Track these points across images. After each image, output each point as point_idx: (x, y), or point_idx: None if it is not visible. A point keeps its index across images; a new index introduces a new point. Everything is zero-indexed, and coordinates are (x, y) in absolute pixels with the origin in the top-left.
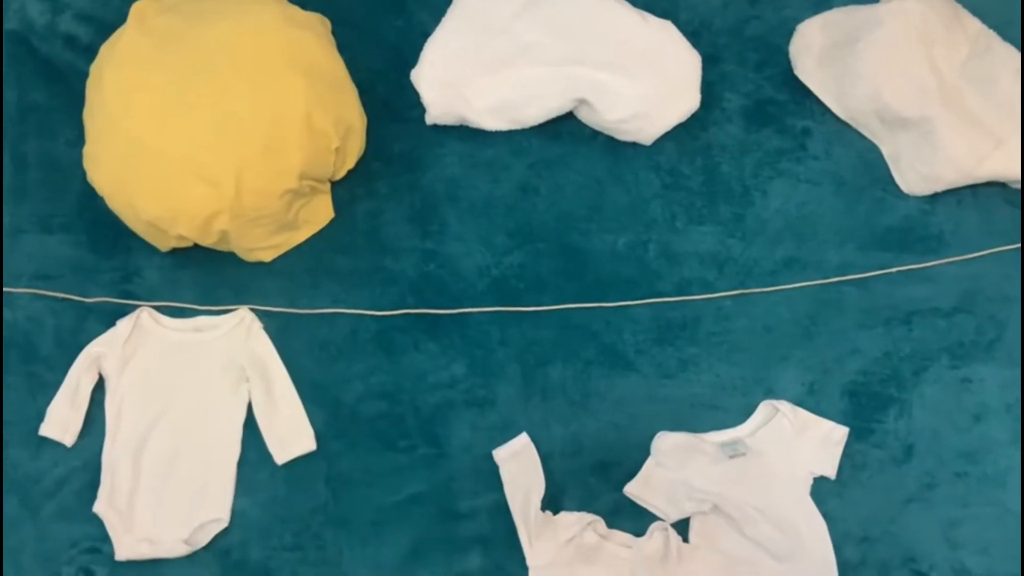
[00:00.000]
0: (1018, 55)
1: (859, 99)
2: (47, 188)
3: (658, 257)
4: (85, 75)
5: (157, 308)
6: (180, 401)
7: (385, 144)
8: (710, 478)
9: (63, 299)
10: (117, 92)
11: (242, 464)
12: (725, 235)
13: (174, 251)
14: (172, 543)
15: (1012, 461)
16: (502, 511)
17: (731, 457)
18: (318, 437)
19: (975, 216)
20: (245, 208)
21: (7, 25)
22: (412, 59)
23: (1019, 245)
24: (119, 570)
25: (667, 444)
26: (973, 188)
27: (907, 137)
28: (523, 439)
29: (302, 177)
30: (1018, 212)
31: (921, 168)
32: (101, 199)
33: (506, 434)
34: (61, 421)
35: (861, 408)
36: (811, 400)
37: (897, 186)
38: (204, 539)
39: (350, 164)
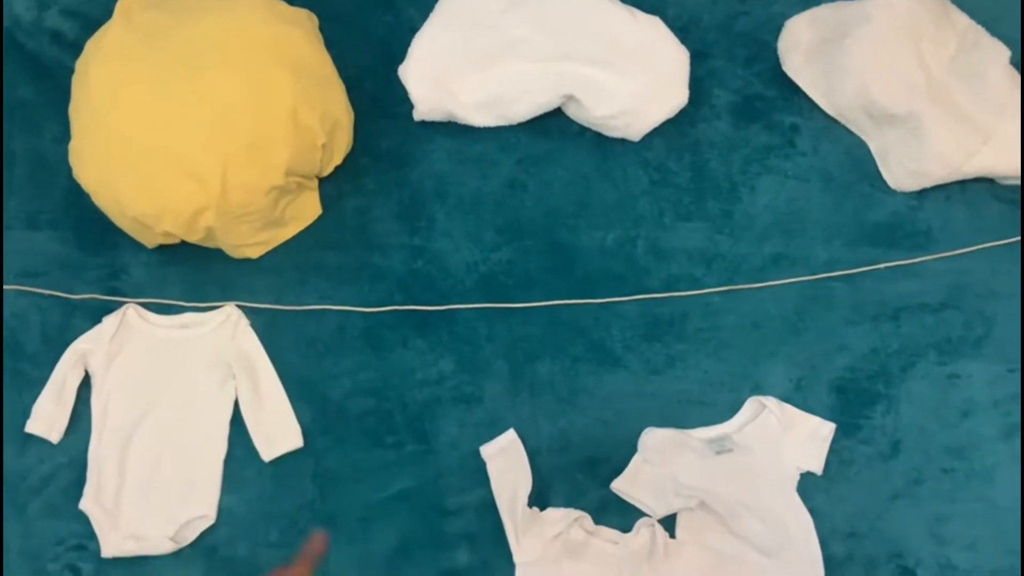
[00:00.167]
0: (1006, 51)
1: (847, 95)
2: (33, 185)
3: (646, 253)
4: (71, 71)
5: (144, 305)
6: (166, 398)
7: (373, 140)
8: (697, 474)
9: (49, 296)
10: (102, 88)
11: (229, 461)
12: (713, 231)
13: (161, 248)
14: (158, 540)
15: (999, 457)
16: (489, 508)
17: (718, 453)
18: (305, 434)
19: (963, 212)
20: (231, 205)
21: None
22: (400, 55)
23: (1013, 240)
24: (105, 567)
25: (654, 440)
26: (961, 184)
27: (895, 133)
28: (510, 435)
29: (288, 173)
30: (1007, 208)
31: (909, 164)
32: (87, 196)
33: (494, 430)
34: (47, 418)
35: (848, 404)
36: (798, 396)
37: (885, 182)
38: (190, 536)
39: (337, 160)
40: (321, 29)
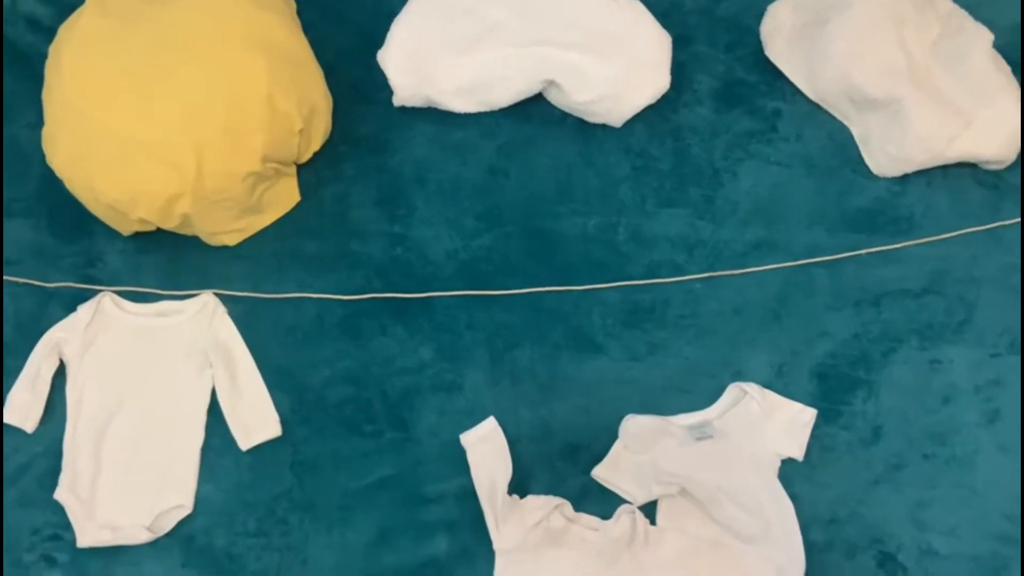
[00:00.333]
0: (989, 35)
1: (829, 80)
2: (7, 172)
3: (628, 240)
4: (46, 57)
5: (119, 293)
6: (142, 387)
7: (352, 126)
8: (677, 460)
9: (23, 284)
10: (75, 73)
11: (206, 450)
12: (695, 217)
13: (137, 235)
14: (134, 530)
15: (980, 442)
16: (469, 495)
17: (698, 439)
18: (283, 422)
19: (945, 197)
20: (207, 191)
21: None
22: (379, 40)
23: (994, 225)
24: (81, 557)
25: (635, 427)
26: (944, 169)
27: (877, 118)
28: (491, 423)
29: (265, 159)
30: (988, 193)
31: (891, 149)
32: (62, 182)
33: (474, 418)
34: (22, 407)
35: (830, 390)
36: (780, 382)
37: (867, 168)
38: (167, 525)
39: (315, 147)
40: (299, 14)
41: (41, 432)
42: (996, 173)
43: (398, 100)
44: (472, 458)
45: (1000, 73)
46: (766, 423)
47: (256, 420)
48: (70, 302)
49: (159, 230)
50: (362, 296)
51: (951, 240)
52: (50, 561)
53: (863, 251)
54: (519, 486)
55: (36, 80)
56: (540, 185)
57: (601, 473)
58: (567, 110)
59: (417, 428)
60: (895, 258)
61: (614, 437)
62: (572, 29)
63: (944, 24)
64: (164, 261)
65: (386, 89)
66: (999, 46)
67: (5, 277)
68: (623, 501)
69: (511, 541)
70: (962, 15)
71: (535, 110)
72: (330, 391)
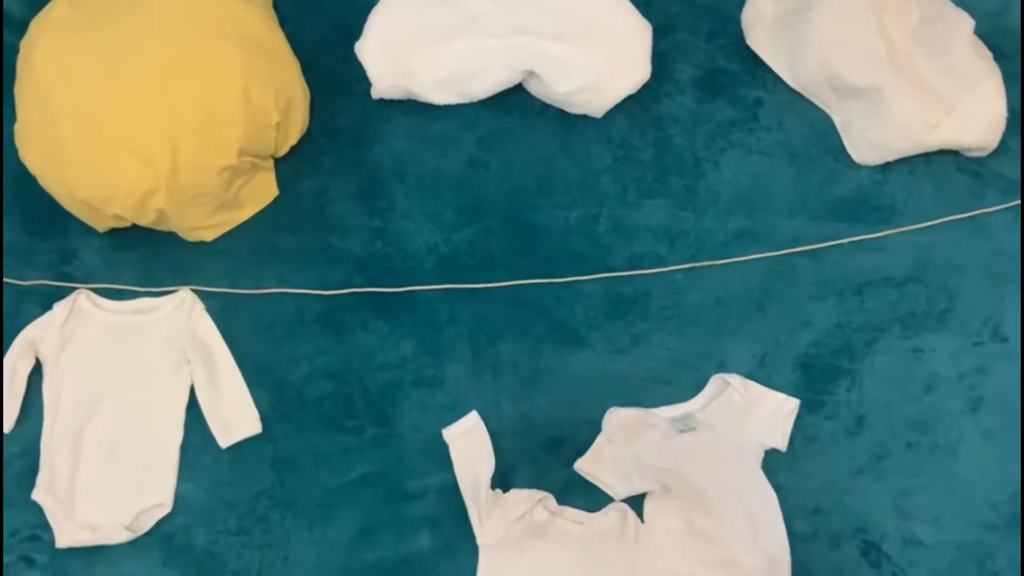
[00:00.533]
0: (970, 21)
1: (810, 68)
2: None
3: (609, 231)
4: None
5: (95, 290)
6: (120, 385)
7: (330, 119)
8: (661, 453)
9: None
10: (47, 67)
11: (185, 448)
12: (677, 208)
13: (112, 232)
14: (114, 529)
15: (963, 430)
16: (452, 491)
17: (681, 431)
18: (263, 419)
19: (927, 185)
20: (182, 186)
21: None
22: (357, 31)
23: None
24: (60, 558)
25: (618, 419)
26: (925, 157)
27: (858, 106)
28: (473, 417)
29: (241, 153)
30: (970, 180)
31: (872, 137)
32: (35, 179)
33: (456, 413)
34: None
35: (813, 380)
36: (763, 373)
37: (849, 156)
38: (147, 524)
39: (293, 140)
40: (275, 6)
41: (18, 432)
42: (978, 160)
43: (376, 92)
44: (454, 453)
45: (981, 59)
46: (749, 414)
47: (236, 417)
48: (46, 300)
49: (135, 226)
50: (342, 291)
51: (933, 228)
52: (29, 562)
53: (845, 240)
54: (502, 480)
55: (8, 75)
56: (521, 177)
57: (583, 466)
58: (548, 101)
59: (399, 423)
60: (877, 247)
61: (597, 430)
62: (552, 19)
63: (924, 10)
64: (140, 258)
65: (364, 81)
66: (980, 32)
67: None
68: (607, 499)
69: (494, 536)
70: (942, 1)
71: (515, 101)
72: (310, 387)
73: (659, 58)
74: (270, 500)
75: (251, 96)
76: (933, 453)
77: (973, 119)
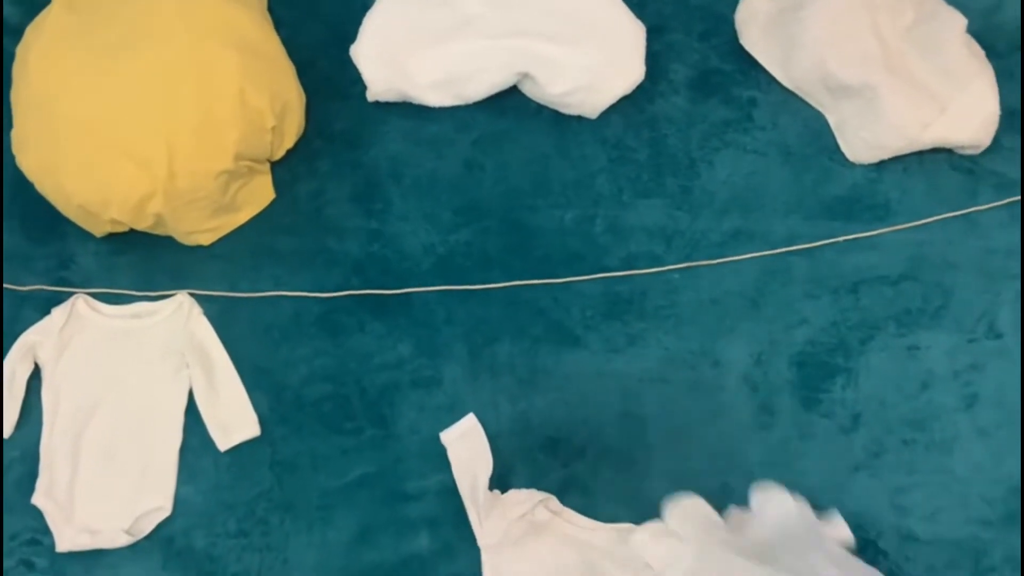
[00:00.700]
0: (963, 19)
1: (804, 68)
2: None
3: (605, 232)
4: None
5: (93, 295)
6: (119, 389)
7: (326, 122)
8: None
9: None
10: (43, 72)
11: (184, 451)
12: (672, 208)
13: (110, 236)
14: (113, 533)
15: (959, 428)
16: (450, 492)
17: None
18: (262, 422)
19: (921, 183)
20: (179, 190)
21: None
22: (352, 34)
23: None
24: (60, 562)
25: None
26: (919, 155)
27: (852, 105)
28: (470, 420)
29: (238, 157)
30: (964, 178)
31: (866, 136)
32: (32, 185)
33: (453, 414)
34: None
35: (808, 378)
36: (759, 371)
37: (843, 155)
38: (146, 528)
39: (289, 143)
40: (270, 9)
41: (17, 436)
42: (972, 158)
43: (372, 95)
44: (453, 455)
45: (974, 58)
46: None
47: (234, 420)
48: (44, 305)
49: (132, 231)
50: (339, 293)
51: (927, 226)
52: (29, 566)
53: (840, 238)
54: (500, 481)
55: (5, 81)
56: (517, 178)
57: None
58: (542, 102)
59: (397, 425)
60: (872, 245)
61: (595, 430)
62: (546, 20)
63: (918, 9)
64: (138, 262)
65: (360, 84)
66: (973, 31)
67: None
68: (605, 498)
69: (494, 536)
70: (935, 0)
71: (510, 103)
72: (308, 389)
73: (653, 58)
74: (269, 502)
75: (247, 100)
76: (929, 450)
77: (966, 117)
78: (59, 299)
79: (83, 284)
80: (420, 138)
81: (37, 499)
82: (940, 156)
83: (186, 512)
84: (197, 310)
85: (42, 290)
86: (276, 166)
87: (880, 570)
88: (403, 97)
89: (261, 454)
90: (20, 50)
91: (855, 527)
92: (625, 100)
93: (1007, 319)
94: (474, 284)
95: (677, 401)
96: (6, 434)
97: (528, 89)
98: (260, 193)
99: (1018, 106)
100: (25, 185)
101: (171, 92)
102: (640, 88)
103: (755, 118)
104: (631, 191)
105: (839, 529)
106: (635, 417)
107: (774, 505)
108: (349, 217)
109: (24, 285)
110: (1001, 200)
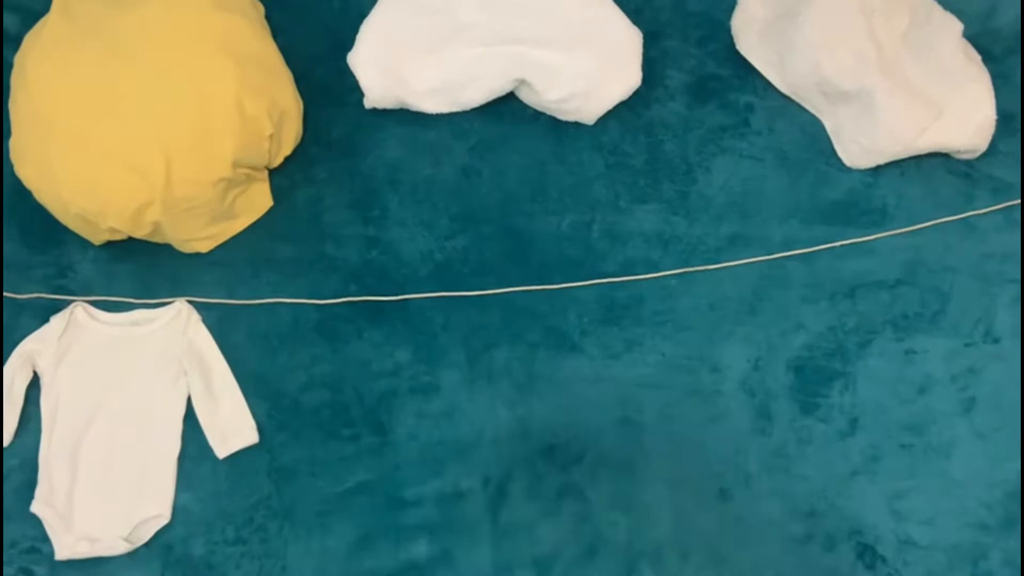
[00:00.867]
0: (959, 24)
1: (800, 73)
2: None
3: (602, 237)
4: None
5: (92, 303)
6: (117, 397)
7: (324, 129)
8: None
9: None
10: (40, 81)
11: (183, 459)
12: (669, 213)
13: (108, 244)
14: (112, 541)
15: (957, 432)
16: (449, 498)
17: None
18: (260, 429)
19: (918, 187)
20: (177, 198)
21: None
22: (349, 42)
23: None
24: (59, 570)
25: None
26: (916, 159)
27: (848, 110)
28: None
29: (236, 165)
30: (960, 182)
31: (863, 141)
32: (31, 193)
33: (452, 420)
34: None
35: (806, 383)
36: (757, 376)
37: (840, 160)
38: (145, 536)
39: (287, 151)
40: (268, 18)
41: (16, 445)
42: (968, 162)
43: (369, 102)
44: None
45: (970, 62)
46: None
47: (232, 427)
48: (42, 313)
49: (131, 238)
50: (337, 300)
51: (925, 230)
52: (28, 574)
53: (837, 243)
54: (499, 486)
55: (3, 90)
56: (514, 184)
57: None
58: (539, 109)
59: (395, 431)
60: (869, 250)
61: (593, 436)
62: (542, 27)
63: (913, 14)
64: (136, 269)
65: (357, 91)
66: (968, 35)
67: None
68: (604, 503)
69: None
70: (931, 5)
71: (507, 109)
72: (307, 396)
73: (650, 64)
74: (268, 510)
75: (245, 108)
76: (927, 454)
77: (962, 122)
78: (58, 307)
79: (82, 292)
80: (417, 145)
81: (36, 507)
82: (937, 160)
83: (185, 519)
84: (195, 317)
85: (41, 298)
86: (274, 173)
87: (878, 575)
88: (400, 104)
89: (259, 461)
90: (18, 59)
91: (853, 532)
92: (622, 106)
93: (1004, 323)
94: (471, 290)
95: (675, 406)
96: (5, 442)
97: (525, 95)
98: (258, 200)
99: (1014, 110)
100: (24, 194)
101: (169, 101)
102: (637, 94)
103: (752, 123)
104: (628, 197)
105: None
106: (633, 422)
107: None
108: (347, 224)
109: (23, 293)
110: (998, 204)
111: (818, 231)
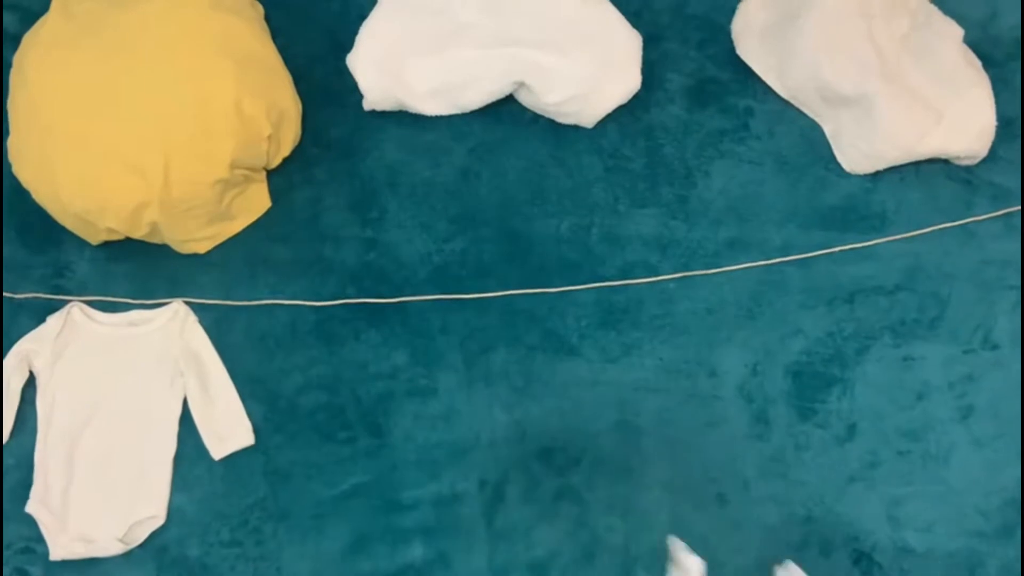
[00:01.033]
0: (959, 30)
1: (800, 76)
2: None
3: (601, 241)
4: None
5: (89, 303)
6: (113, 397)
7: (323, 130)
8: None
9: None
10: (39, 80)
11: (178, 460)
12: (668, 217)
13: (106, 244)
14: (107, 541)
15: (954, 438)
16: (445, 501)
17: None
18: (256, 431)
19: (917, 193)
20: (175, 199)
21: None
22: (349, 43)
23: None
24: (54, 570)
25: None
26: (916, 165)
27: (848, 114)
28: None
29: (234, 166)
30: (960, 188)
31: (862, 146)
32: (29, 193)
33: (448, 423)
34: None
35: (804, 388)
36: (754, 381)
37: (839, 165)
38: (140, 537)
39: (285, 152)
40: (267, 19)
41: (12, 444)
42: (968, 168)
43: (368, 104)
44: None
45: (970, 68)
46: None
47: (228, 429)
48: (39, 313)
49: (128, 239)
50: (335, 302)
51: (924, 236)
52: (23, 574)
53: (836, 249)
54: (495, 489)
55: (2, 89)
56: (512, 187)
57: None
58: (538, 111)
59: (391, 434)
60: (868, 255)
61: (590, 439)
62: (542, 29)
63: (914, 19)
64: (134, 270)
65: (356, 93)
66: (969, 41)
67: None
68: (600, 507)
69: None
70: (931, 10)
71: (506, 112)
72: (303, 398)
73: (649, 68)
74: (263, 512)
75: (243, 108)
76: (924, 461)
77: (963, 127)
78: (55, 307)
79: (79, 292)
80: (416, 147)
81: (31, 507)
82: (936, 166)
83: (180, 521)
84: (192, 318)
85: (38, 298)
86: (272, 174)
87: None
88: (399, 105)
89: (255, 463)
90: (17, 58)
91: (850, 538)
92: (621, 109)
93: (1003, 330)
94: (469, 293)
95: (672, 411)
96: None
97: (524, 98)
98: (256, 201)
99: (1015, 115)
100: (22, 194)
101: (167, 101)
102: (636, 97)
103: (751, 128)
104: (627, 200)
105: None
106: (630, 426)
107: None
108: (345, 225)
109: (20, 293)
110: (997, 211)
111: (817, 236)
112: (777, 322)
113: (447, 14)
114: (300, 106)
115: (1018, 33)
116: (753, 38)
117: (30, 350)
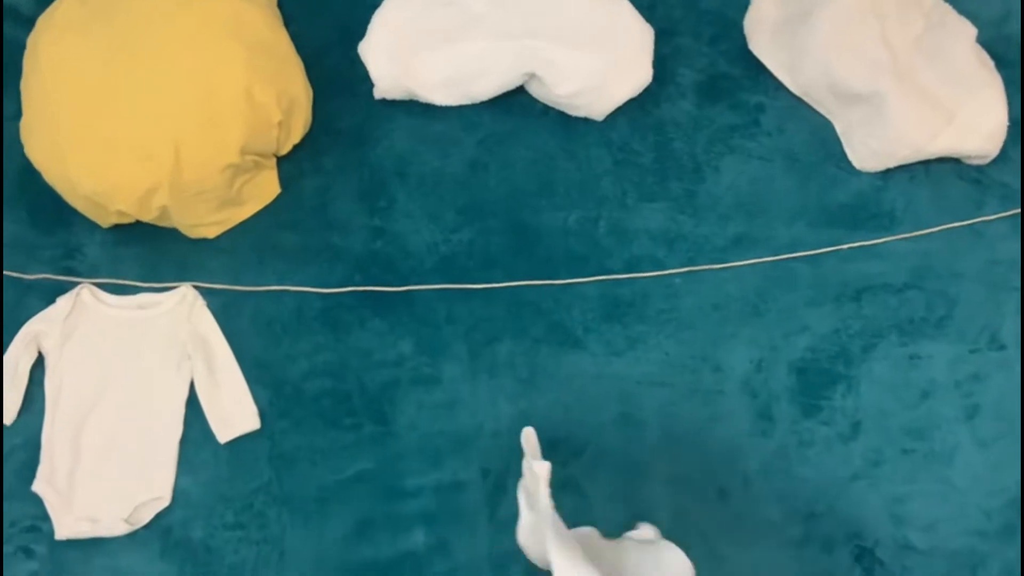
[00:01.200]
0: (973, 29)
1: (812, 73)
2: None
3: (608, 234)
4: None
5: (99, 285)
6: (121, 379)
7: (333, 118)
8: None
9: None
10: (52, 63)
11: (184, 442)
12: (676, 212)
13: (116, 227)
14: (113, 522)
15: (959, 438)
16: (447, 489)
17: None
18: (262, 415)
19: (927, 192)
20: (185, 183)
21: None
22: (361, 32)
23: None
24: (59, 549)
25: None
26: (926, 164)
27: (859, 112)
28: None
29: (244, 152)
30: (970, 188)
31: (873, 144)
32: (40, 174)
33: (453, 411)
34: None
35: (809, 385)
36: (759, 377)
37: (850, 162)
38: (145, 517)
39: (295, 139)
40: (280, 6)
41: (19, 424)
42: (979, 168)
43: (379, 92)
44: None
45: (983, 68)
46: None
47: (235, 413)
48: (49, 294)
49: (138, 222)
50: (342, 289)
51: (933, 235)
52: (28, 553)
53: (844, 246)
54: (497, 481)
55: (15, 70)
56: (521, 179)
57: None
58: (549, 103)
59: (396, 422)
60: (876, 253)
61: (593, 432)
62: (553, 21)
63: (927, 18)
64: (143, 253)
65: (367, 81)
66: (982, 40)
67: None
68: (602, 499)
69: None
70: (945, 9)
71: (516, 103)
72: (309, 384)
73: (661, 62)
74: (267, 496)
75: (254, 95)
76: (928, 460)
77: (974, 127)
78: (64, 288)
79: (88, 274)
80: (426, 136)
81: (38, 486)
82: (947, 165)
83: (185, 503)
84: (200, 302)
85: (48, 279)
86: (282, 161)
87: None
88: (410, 95)
89: (260, 447)
90: (31, 40)
91: (853, 535)
92: (632, 103)
93: (1010, 330)
94: (476, 283)
95: (676, 405)
96: (8, 421)
97: (535, 90)
98: (265, 188)
99: None
100: (33, 174)
101: (179, 86)
102: (647, 91)
103: (762, 124)
104: (635, 194)
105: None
106: (634, 420)
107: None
108: (353, 214)
109: (30, 274)
110: (1007, 211)
111: (825, 233)
112: (783, 319)
113: (459, 5)
114: (311, 93)
115: None
116: (765, 34)
117: (39, 331)
